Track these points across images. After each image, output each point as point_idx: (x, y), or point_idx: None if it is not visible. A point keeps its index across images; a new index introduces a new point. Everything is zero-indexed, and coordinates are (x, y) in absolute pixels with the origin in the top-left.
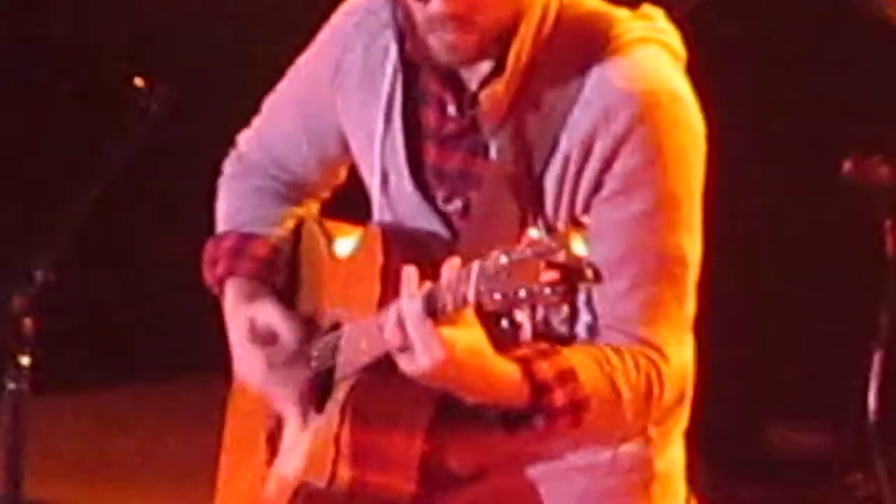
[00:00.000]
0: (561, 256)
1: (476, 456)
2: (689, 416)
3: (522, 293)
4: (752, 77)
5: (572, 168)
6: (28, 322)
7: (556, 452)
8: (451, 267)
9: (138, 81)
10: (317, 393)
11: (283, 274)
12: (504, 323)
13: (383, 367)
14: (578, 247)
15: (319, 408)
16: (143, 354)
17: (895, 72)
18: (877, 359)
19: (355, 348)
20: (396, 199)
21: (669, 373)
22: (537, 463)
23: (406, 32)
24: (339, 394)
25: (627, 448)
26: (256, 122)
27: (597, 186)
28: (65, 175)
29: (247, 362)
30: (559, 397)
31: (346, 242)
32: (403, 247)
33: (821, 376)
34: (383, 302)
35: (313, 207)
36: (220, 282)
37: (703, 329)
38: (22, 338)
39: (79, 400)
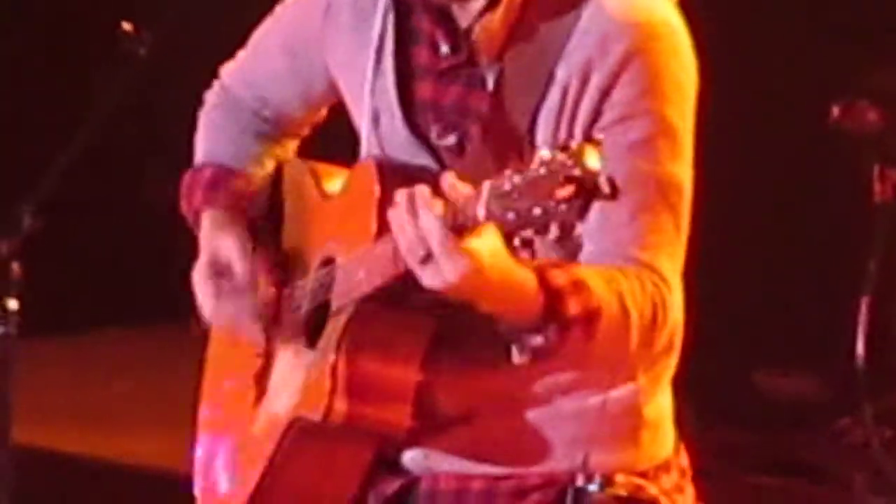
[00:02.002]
0: (576, 171)
1: (466, 397)
2: (677, 362)
3: (537, 211)
4: (737, 23)
5: (570, 98)
6: (16, 266)
7: (547, 395)
8: (451, 185)
9: (126, 26)
10: (309, 329)
11: (262, 211)
12: (516, 242)
13: (380, 298)
14: (593, 161)
15: (312, 343)
16: (132, 298)
17: (882, 15)
18: (864, 305)
19: (352, 280)
20: (388, 137)
21: (671, 301)
22: (527, 408)
23: None
24: (335, 327)
25: (617, 393)
26: (241, 55)
27: (595, 116)
28: (52, 120)
29: (201, 292)
30: (573, 305)
31: (333, 180)
32: (398, 178)
33: (809, 323)
34: (381, 233)
35: (291, 146)
36: (196, 213)
37: (692, 276)
38: (9, 282)
39: (68, 343)
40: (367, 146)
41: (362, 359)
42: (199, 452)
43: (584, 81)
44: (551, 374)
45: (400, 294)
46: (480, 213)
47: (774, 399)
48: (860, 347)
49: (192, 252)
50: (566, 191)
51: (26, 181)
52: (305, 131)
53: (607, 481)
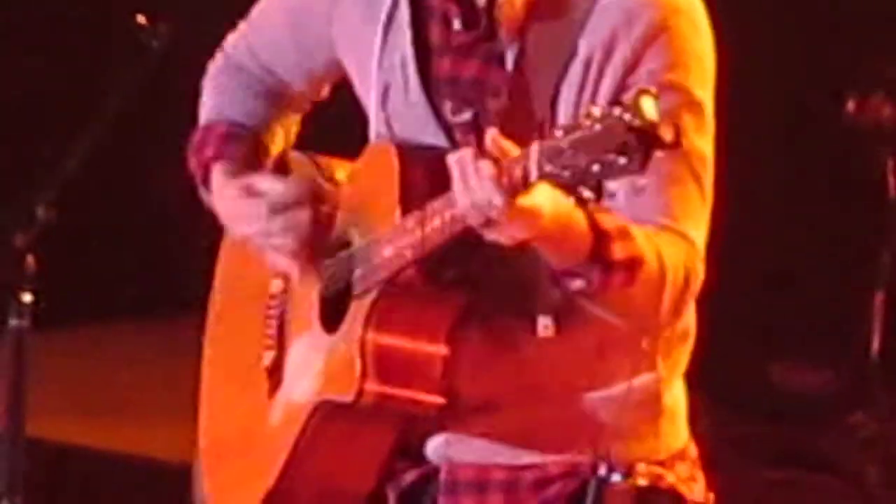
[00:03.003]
0: (636, 122)
1: (489, 383)
2: (693, 355)
3: (595, 167)
4: (751, 17)
5: (593, 72)
6: (30, 259)
7: (570, 384)
8: (494, 141)
9: (140, 19)
10: (325, 314)
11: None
12: (571, 200)
13: (406, 277)
14: (651, 110)
15: (331, 328)
16: (144, 290)
17: None
18: (878, 298)
19: (377, 260)
20: (397, 114)
21: (700, 269)
22: (550, 397)
23: None
24: (361, 307)
25: (638, 382)
26: (244, 26)
27: (620, 89)
28: (66, 113)
29: (246, 214)
30: (618, 250)
31: (338, 169)
32: (417, 157)
33: (823, 317)
34: (406, 211)
35: (294, 120)
36: (206, 167)
37: (708, 269)
38: (24, 275)
39: (81, 336)
40: (375, 123)
41: (392, 337)
42: (207, 446)
43: (608, 55)
44: (574, 361)
45: (426, 271)
46: (533, 172)
47: (789, 392)
48: (875, 341)
49: (206, 245)
50: (628, 141)
51: (40, 174)
52: (307, 107)
53: (628, 470)
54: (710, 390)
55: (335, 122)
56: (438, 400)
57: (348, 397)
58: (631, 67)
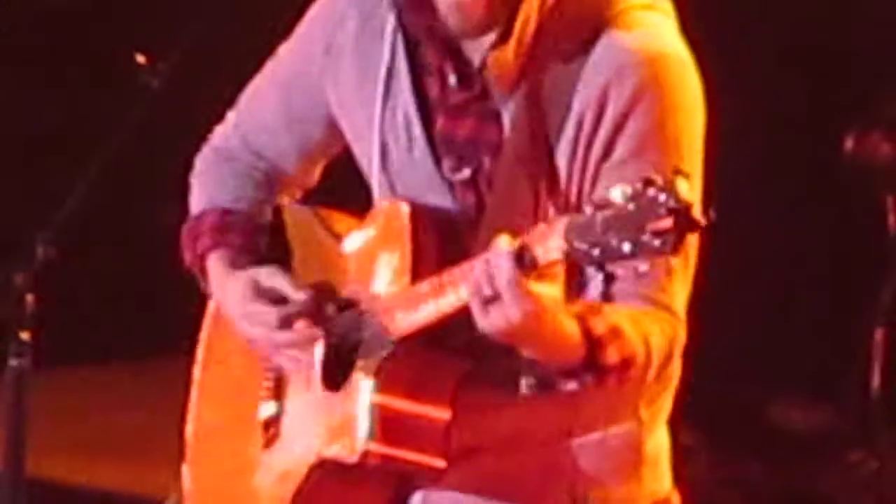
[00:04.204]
0: (672, 203)
1: (473, 434)
2: (690, 393)
3: (626, 246)
4: (751, 51)
5: (586, 128)
6: (30, 298)
7: (551, 433)
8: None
9: (140, 58)
10: (328, 372)
11: (270, 251)
12: (597, 274)
13: (414, 341)
14: (686, 192)
15: (332, 386)
16: (144, 330)
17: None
18: (879, 336)
19: (387, 322)
20: (400, 171)
21: (681, 337)
22: (530, 445)
23: (403, 5)
24: (367, 368)
25: (618, 429)
26: (232, 115)
27: (608, 150)
28: (66, 151)
29: (257, 320)
30: (612, 354)
31: (341, 224)
32: (429, 219)
33: (823, 354)
34: (417, 273)
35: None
36: (202, 259)
37: (705, 306)
38: (24, 314)
39: (80, 376)
40: (378, 186)
41: (399, 399)
42: (192, 492)
43: (600, 114)
44: (555, 412)
45: (437, 336)
46: (558, 248)
47: (788, 430)
48: (875, 378)
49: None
50: (663, 224)
51: (41, 213)
52: (297, 193)
53: None
54: (708, 430)
55: (338, 175)
56: (440, 463)
57: (353, 458)
58: (620, 126)
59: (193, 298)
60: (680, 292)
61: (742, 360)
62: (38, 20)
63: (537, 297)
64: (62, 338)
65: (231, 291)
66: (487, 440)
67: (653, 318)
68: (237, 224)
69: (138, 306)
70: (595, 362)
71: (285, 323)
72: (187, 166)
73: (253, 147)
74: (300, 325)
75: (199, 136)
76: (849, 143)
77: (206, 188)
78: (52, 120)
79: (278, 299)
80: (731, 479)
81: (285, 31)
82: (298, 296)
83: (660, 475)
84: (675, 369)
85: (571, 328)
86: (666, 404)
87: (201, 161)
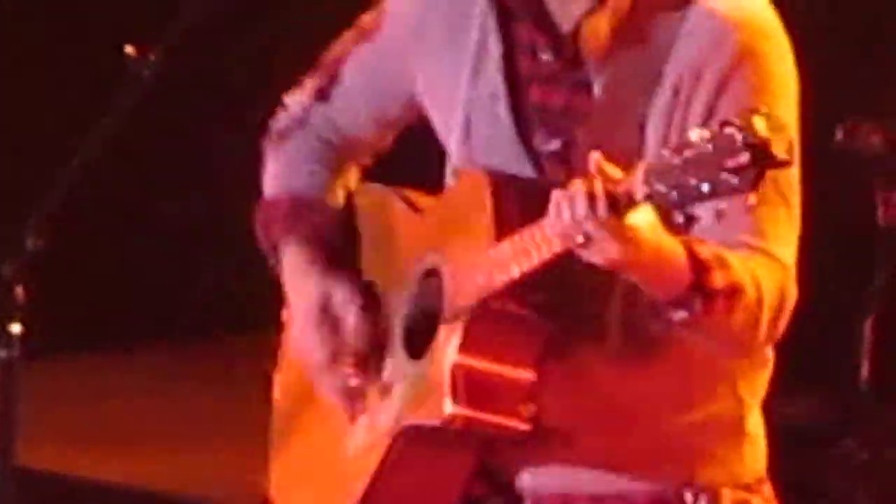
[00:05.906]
0: (751, 139)
1: (571, 411)
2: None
3: (705, 187)
4: None
5: (682, 98)
6: (19, 290)
7: (653, 410)
8: (598, 164)
9: (129, 49)
10: (408, 341)
11: (338, 242)
12: (680, 218)
13: (498, 303)
14: (763, 128)
15: (416, 353)
16: (134, 320)
17: (887, 37)
18: (868, 326)
19: (469, 286)
20: (484, 145)
21: (793, 290)
22: (632, 424)
23: None
24: (451, 332)
25: (719, 407)
26: (309, 82)
27: (709, 113)
28: (55, 141)
29: (310, 344)
30: (718, 278)
31: (424, 200)
32: (510, 185)
33: (813, 344)
34: (499, 237)
35: (354, 176)
36: (275, 246)
37: None
38: (13, 306)
39: (71, 366)
40: (456, 159)
41: (483, 361)
42: (279, 470)
43: (697, 80)
44: (655, 386)
45: (518, 297)
46: (640, 192)
47: (778, 420)
48: (864, 368)
49: (197, 273)
50: (741, 160)
51: (29, 203)
52: (368, 160)
53: (714, 497)
54: None
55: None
56: (524, 426)
57: (437, 421)
58: (720, 90)
59: (182, 288)
60: (784, 239)
61: None
62: (24, 12)
63: (632, 227)
64: (52, 329)
65: (300, 294)
66: (588, 417)
67: (761, 262)
68: (308, 212)
69: (128, 296)
70: (702, 284)
71: (339, 360)
72: (180, 158)
73: (328, 115)
74: (347, 370)
75: (189, 128)
76: (839, 134)
77: (280, 166)
78: (40, 109)
79: (338, 332)
80: None
81: (277, 26)
82: (356, 342)
83: (760, 452)
84: (770, 350)
85: (677, 250)
86: (762, 384)
87: (278, 126)
